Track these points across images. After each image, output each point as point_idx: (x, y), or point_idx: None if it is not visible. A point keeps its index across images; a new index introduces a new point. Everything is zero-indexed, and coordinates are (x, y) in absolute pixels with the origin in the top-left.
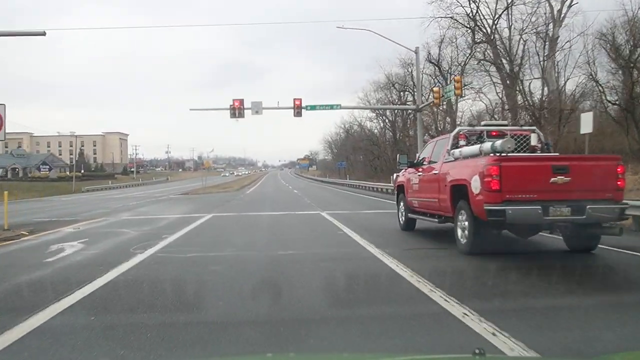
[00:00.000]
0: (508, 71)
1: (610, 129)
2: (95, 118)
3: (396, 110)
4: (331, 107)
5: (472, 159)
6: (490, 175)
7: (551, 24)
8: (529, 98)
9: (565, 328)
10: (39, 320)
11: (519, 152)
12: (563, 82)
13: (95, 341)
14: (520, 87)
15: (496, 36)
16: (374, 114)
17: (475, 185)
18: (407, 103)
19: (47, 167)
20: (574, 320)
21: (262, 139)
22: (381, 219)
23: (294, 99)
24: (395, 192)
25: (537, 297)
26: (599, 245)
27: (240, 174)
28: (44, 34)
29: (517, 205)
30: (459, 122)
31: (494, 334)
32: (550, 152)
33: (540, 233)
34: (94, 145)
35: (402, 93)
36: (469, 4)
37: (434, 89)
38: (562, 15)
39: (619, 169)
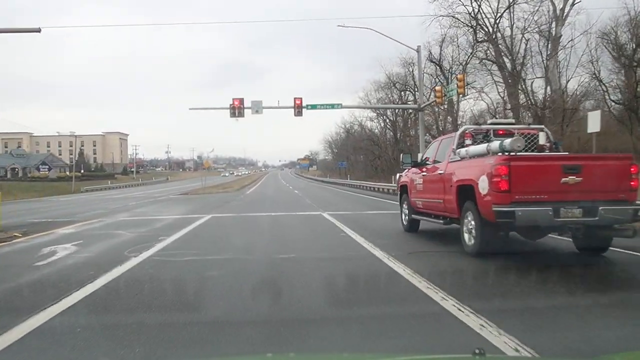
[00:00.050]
0: (510, 70)
1: (614, 129)
2: (95, 118)
3: (397, 110)
4: (332, 106)
5: (479, 158)
6: (499, 175)
7: (553, 22)
8: (531, 97)
9: (565, 328)
10: (19, 333)
11: (526, 151)
12: (565, 81)
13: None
14: (523, 86)
15: (498, 35)
16: (375, 114)
17: (483, 186)
18: (408, 103)
19: (47, 167)
20: (574, 320)
21: (262, 139)
22: (383, 220)
23: (295, 98)
24: (398, 192)
25: (538, 297)
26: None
27: (240, 174)
28: (39, 30)
29: (527, 207)
30: (460, 122)
31: (494, 334)
32: (559, 152)
33: (548, 235)
34: (94, 145)
35: (403, 93)
36: (471, 2)
37: (436, 87)
38: (565, 14)
39: (632, 169)
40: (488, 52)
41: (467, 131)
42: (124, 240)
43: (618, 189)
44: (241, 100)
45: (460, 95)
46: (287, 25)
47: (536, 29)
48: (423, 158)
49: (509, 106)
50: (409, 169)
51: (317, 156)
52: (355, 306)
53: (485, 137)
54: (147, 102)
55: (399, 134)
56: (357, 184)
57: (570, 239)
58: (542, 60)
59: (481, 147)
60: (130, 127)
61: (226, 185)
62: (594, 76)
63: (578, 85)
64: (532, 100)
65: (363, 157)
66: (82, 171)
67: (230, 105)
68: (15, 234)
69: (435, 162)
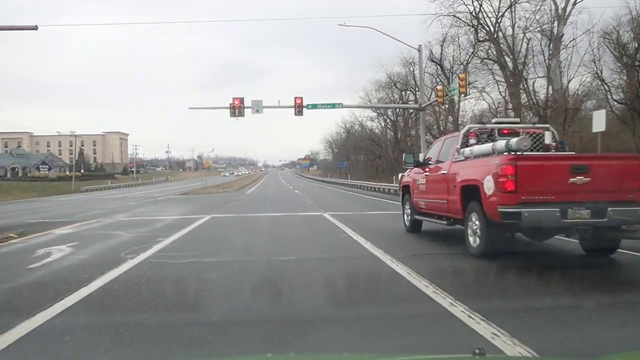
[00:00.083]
0: (511, 70)
1: (616, 129)
2: (95, 118)
3: (398, 110)
4: (333, 105)
5: (485, 158)
6: (505, 175)
7: (555, 21)
8: (533, 97)
9: (565, 328)
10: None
11: (532, 151)
12: (567, 80)
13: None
14: (525, 85)
15: (499, 34)
16: (375, 114)
17: (489, 186)
18: (409, 102)
19: (47, 166)
20: (575, 320)
21: (263, 139)
22: (385, 221)
23: (295, 98)
24: (400, 192)
25: (538, 297)
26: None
27: (240, 174)
28: (35, 28)
29: (534, 207)
30: (461, 122)
31: (494, 334)
32: (565, 151)
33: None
34: (94, 145)
35: (403, 92)
36: (472, 2)
37: (438, 87)
38: (567, 13)
39: None
40: (489, 51)
41: (471, 130)
42: (121, 241)
43: (627, 189)
44: (241, 100)
45: (462, 95)
46: (287, 25)
47: (538, 28)
48: (426, 158)
49: (510, 106)
50: (411, 168)
51: (317, 156)
52: (357, 307)
53: (490, 137)
54: (147, 102)
55: (399, 134)
56: (358, 184)
57: (577, 241)
58: (544, 60)
59: (486, 147)
60: (130, 127)
61: (226, 185)
62: (596, 76)
63: (580, 85)
64: (534, 100)
65: (363, 157)
66: (82, 171)
67: (230, 104)
68: (11, 235)
69: (438, 161)
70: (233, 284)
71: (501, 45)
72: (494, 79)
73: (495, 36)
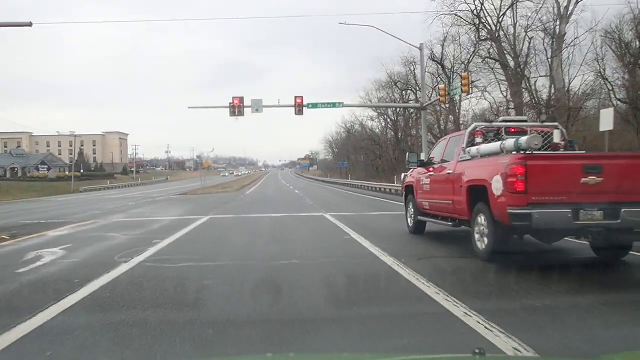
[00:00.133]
0: (513, 69)
1: (619, 128)
2: (95, 118)
3: (398, 110)
4: (333, 105)
5: (492, 157)
6: (515, 175)
7: (558, 20)
8: (535, 96)
9: (565, 328)
10: None
11: (541, 150)
12: (569, 80)
13: None
14: (527, 85)
15: (501, 33)
16: (376, 114)
17: (497, 187)
18: (410, 102)
19: (46, 167)
20: (575, 320)
21: (263, 139)
22: (388, 221)
23: (295, 97)
24: (404, 193)
25: (538, 297)
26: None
27: (240, 174)
28: (30, 24)
29: (545, 209)
30: (462, 122)
31: (494, 334)
32: (575, 151)
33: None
34: (94, 145)
35: (404, 92)
36: (474, 0)
37: (440, 86)
38: (570, 12)
39: None
40: (491, 50)
41: (477, 129)
42: (116, 243)
43: None
44: (241, 99)
45: (464, 94)
46: (287, 25)
47: (540, 27)
48: (429, 157)
49: (512, 105)
50: (415, 168)
51: (317, 156)
52: (357, 307)
53: (497, 136)
54: (147, 102)
55: (400, 134)
56: (358, 184)
57: (587, 243)
58: (547, 59)
59: (494, 146)
60: (130, 127)
61: (226, 186)
62: (599, 74)
63: (582, 84)
64: (537, 99)
65: (364, 157)
66: (82, 171)
67: (230, 104)
68: (3, 237)
69: (443, 161)
70: (231, 289)
71: (503, 44)
72: (496, 78)
73: (497, 35)
